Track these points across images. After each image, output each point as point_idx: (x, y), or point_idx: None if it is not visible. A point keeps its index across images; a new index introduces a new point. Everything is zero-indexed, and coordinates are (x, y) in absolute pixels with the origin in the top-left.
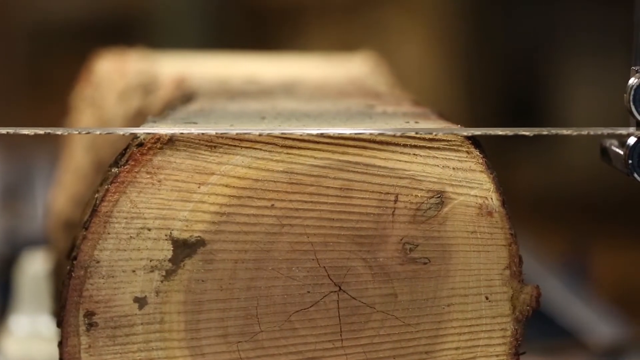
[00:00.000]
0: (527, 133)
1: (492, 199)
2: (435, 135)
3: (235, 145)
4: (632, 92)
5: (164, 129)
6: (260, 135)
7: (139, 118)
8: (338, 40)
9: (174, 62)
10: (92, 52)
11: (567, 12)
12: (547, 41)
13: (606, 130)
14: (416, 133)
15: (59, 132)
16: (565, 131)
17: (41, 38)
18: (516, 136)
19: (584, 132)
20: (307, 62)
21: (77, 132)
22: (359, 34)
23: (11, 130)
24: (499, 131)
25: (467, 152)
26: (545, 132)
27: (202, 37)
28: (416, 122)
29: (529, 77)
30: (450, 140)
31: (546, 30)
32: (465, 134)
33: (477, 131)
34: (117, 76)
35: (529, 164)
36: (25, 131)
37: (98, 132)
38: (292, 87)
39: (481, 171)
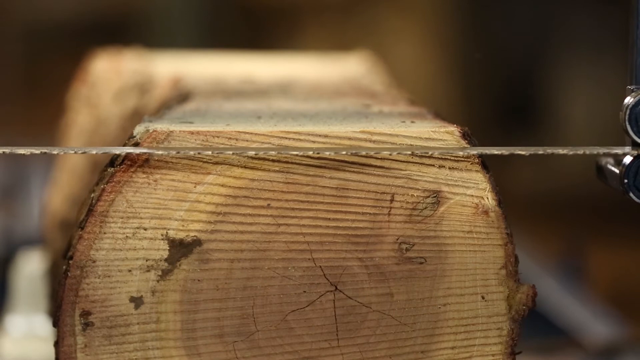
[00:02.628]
0: (523, 152)
1: (488, 198)
2: (433, 133)
3: (231, 145)
4: (628, 112)
5: (159, 150)
6: (256, 154)
7: (135, 118)
8: (334, 39)
9: (169, 61)
10: (88, 52)
11: (564, 9)
12: (543, 39)
13: (602, 150)
14: (412, 153)
15: (55, 152)
16: (561, 150)
17: (37, 37)
18: (512, 136)
19: (580, 151)
20: (303, 62)
21: (72, 152)
22: (354, 33)
23: (7, 150)
24: (495, 150)
25: (464, 147)
26: (540, 152)
27: (197, 37)
28: (412, 122)
29: (525, 75)
30: (446, 140)
31: (542, 29)
32: (460, 153)
33: (473, 150)
34: (113, 76)
35: (524, 164)
36: (22, 151)
37: (94, 152)
38: (288, 87)
39: (477, 171)
